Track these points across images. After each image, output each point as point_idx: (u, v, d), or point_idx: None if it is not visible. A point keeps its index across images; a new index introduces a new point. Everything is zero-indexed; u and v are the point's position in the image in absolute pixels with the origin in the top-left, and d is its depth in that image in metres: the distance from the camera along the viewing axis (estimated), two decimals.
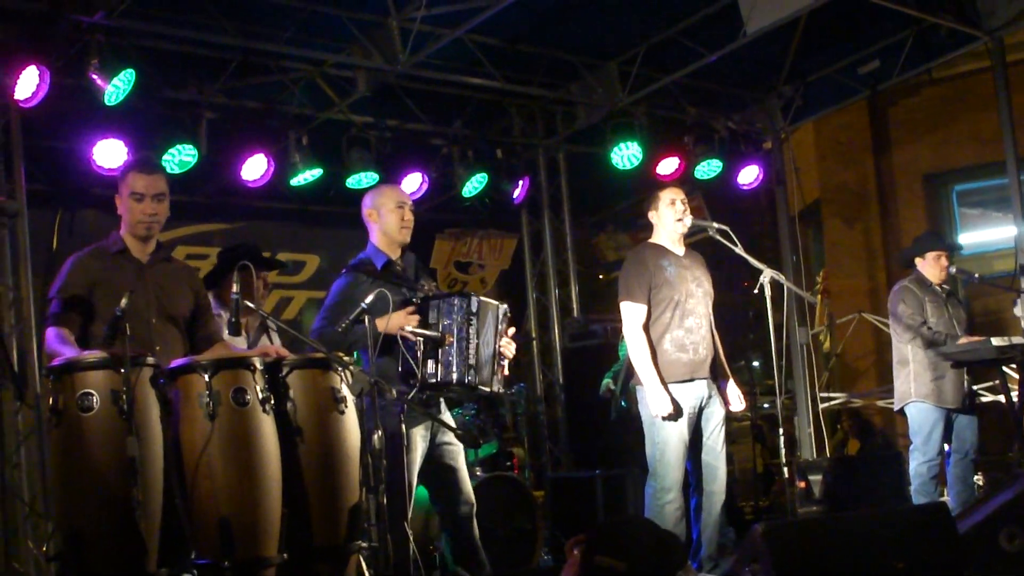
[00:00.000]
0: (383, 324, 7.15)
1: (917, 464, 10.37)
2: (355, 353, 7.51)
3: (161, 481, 5.99)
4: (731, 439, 8.74)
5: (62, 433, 5.95)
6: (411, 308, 7.44)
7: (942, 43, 13.25)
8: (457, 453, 7.75)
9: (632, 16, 12.24)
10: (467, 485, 7.78)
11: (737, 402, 8.83)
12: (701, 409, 8.53)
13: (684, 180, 13.50)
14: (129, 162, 7.36)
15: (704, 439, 8.56)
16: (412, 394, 7.18)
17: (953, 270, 10.78)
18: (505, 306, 7.83)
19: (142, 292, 6.67)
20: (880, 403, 15.10)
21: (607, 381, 11.83)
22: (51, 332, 6.58)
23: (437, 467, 7.67)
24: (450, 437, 7.69)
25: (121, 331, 5.86)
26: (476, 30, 11.54)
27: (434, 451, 7.65)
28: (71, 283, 6.68)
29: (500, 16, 11.10)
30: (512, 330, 7.89)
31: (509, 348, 7.81)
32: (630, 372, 9.06)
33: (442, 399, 7.75)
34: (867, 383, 16.34)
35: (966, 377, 10.43)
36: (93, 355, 6.04)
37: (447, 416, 7.83)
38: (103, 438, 5.85)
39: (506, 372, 7.88)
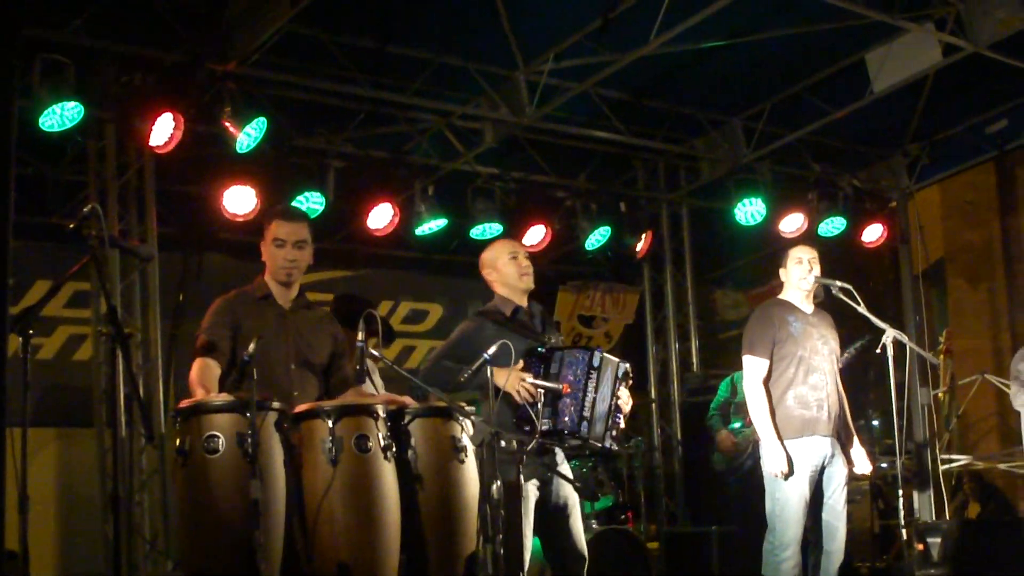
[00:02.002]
0: (502, 379, 7.17)
1: None
2: (476, 403, 7.55)
3: (283, 524, 6.04)
4: (849, 498, 8.64)
5: (187, 474, 6.02)
6: (521, 365, 7.43)
7: None
8: (572, 506, 7.72)
9: (758, 72, 12.26)
10: (580, 539, 7.75)
11: (863, 464, 8.76)
12: (823, 467, 8.47)
13: (808, 237, 13.44)
14: (274, 209, 7.46)
15: (825, 498, 8.49)
16: (531, 445, 7.18)
17: None
18: (627, 364, 7.81)
19: (283, 338, 6.77)
20: (1002, 466, 14.90)
21: (712, 415, 11.75)
22: (198, 363, 6.66)
23: (551, 519, 7.64)
24: (565, 489, 7.68)
25: (249, 375, 5.94)
26: (602, 84, 11.64)
27: (549, 503, 7.63)
28: (217, 322, 6.79)
29: (626, 70, 11.18)
30: (631, 382, 7.88)
31: (626, 401, 7.80)
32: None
33: (559, 451, 7.74)
34: (989, 446, 16.11)
35: None
36: (220, 398, 6.13)
37: (565, 468, 7.82)
38: (227, 480, 5.92)
39: (622, 427, 7.85)
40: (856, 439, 8.81)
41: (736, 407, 11.61)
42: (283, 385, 6.61)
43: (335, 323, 7.38)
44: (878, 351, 8.68)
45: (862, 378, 10.86)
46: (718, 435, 11.79)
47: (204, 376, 6.56)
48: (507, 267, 7.80)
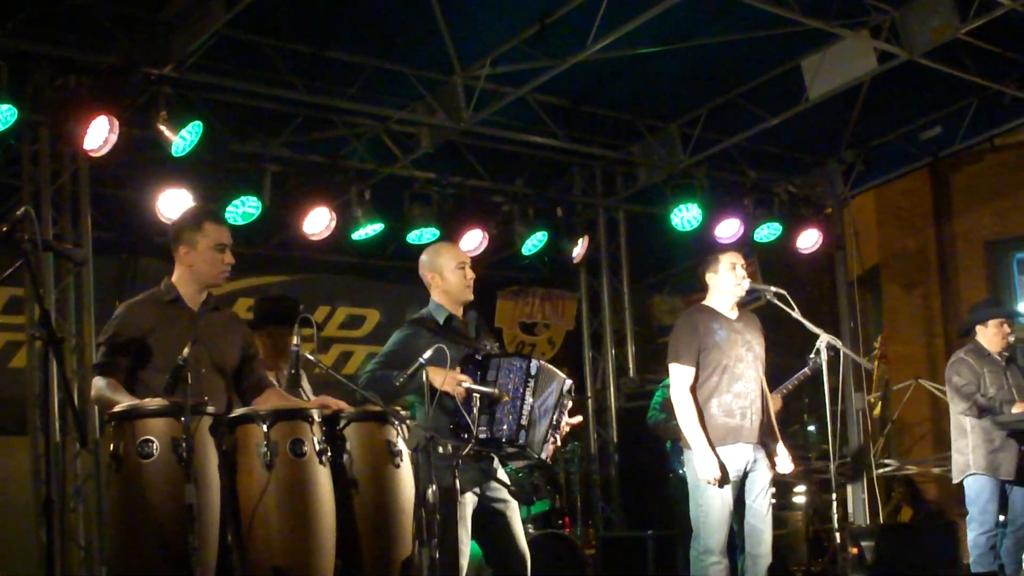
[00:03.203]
0: (439, 379, 7.18)
1: (975, 535, 10.28)
2: (412, 408, 7.55)
3: (217, 529, 6.01)
4: (783, 503, 8.70)
5: (122, 479, 5.98)
6: (459, 369, 7.43)
7: (1005, 111, 13.27)
8: (511, 510, 7.72)
9: (695, 79, 12.32)
10: (522, 540, 7.74)
11: (786, 464, 8.80)
12: (747, 473, 8.52)
13: (743, 243, 13.52)
14: (199, 212, 7.34)
15: (749, 502, 8.54)
16: (466, 450, 7.18)
17: (1011, 339, 10.71)
18: (571, 381, 7.82)
19: (198, 342, 6.68)
20: (935, 471, 15.02)
21: (652, 415, 11.70)
22: (100, 381, 6.54)
23: (490, 524, 7.64)
24: (503, 494, 7.68)
25: (183, 380, 5.92)
26: (539, 89, 11.66)
27: (487, 508, 7.63)
28: (122, 331, 6.65)
29: (563, 76, 11.21)
30: (571, 403, 7.89)
31: (566, 427, 7.82)
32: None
33: (495, 457, 7.74)
34: (922, 450, 16.25)
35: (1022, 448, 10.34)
36: (155, 403, 6.06)
37: (501, 473, 7.82)
38: (162, 485, 5.88)
39: (558, 444, 7.87)
40: (781, 441, 8.85)
41: None
42: (195, 389, 6.48)
43: (243, 325, 7.30)
44: (812, 356, 8.73)
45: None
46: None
47: (116, 390, 6.49)
48: (453, 276, 7.76)
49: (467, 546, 7.48)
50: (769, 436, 8.74)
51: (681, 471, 10.61)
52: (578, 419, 7.98)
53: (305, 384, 8.20)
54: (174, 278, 6.88)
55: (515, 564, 7.68)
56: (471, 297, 7.84)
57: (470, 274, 7.82)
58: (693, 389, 8.53)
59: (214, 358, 6.81)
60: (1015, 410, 10.21)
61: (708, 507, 8.41)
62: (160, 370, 6.41)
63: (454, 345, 7.43)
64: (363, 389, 7.23)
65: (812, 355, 8.79)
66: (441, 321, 7.71)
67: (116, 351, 6.61)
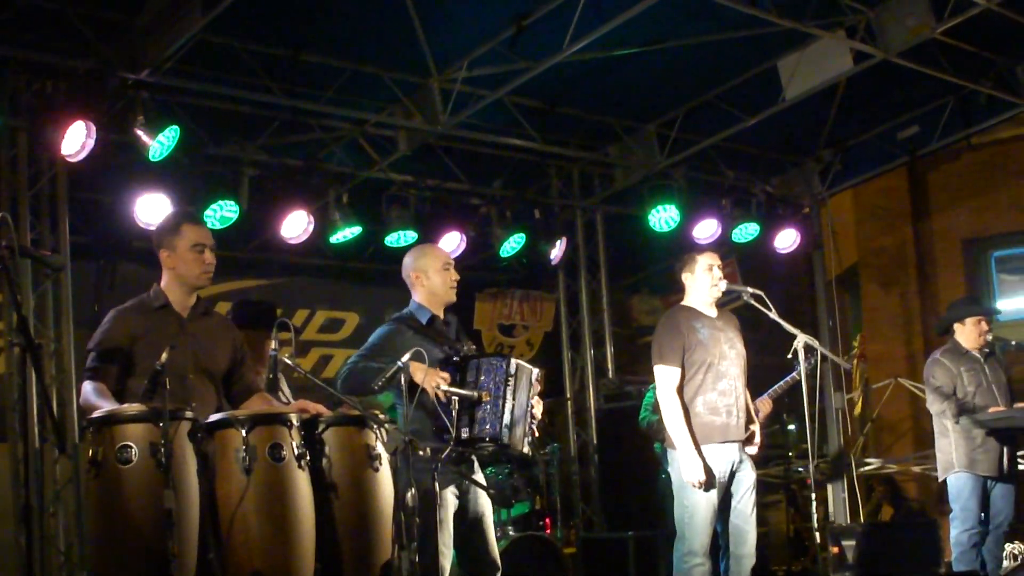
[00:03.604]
0: (420, 374, 7.19)
1: (957, 533, 10.33)
2: (392, 411, 7.56)
3: (196, 534, 6.01)
4: (763, 503, 8.71)
5: (100, 484, 5.98)
6: (438, 368, 7.45)
7: (982, 110, 13.31)
8: (487, 515, 7.74)
9: (671, 80, 12.33)
10: (494, 547, 7.77)
11: (752, 446, 8.81)
12: (733, 473, 8.52)
13: (721, 243, 13.54)
14: (176, 216, 7.36)
15: (734, 503, 8.54)
16: (446, 452, 7.19)
17: (990, 337, 10.73)
18: (538, 370, 7.84)
19: (181, 347, 6.67)
20: (916, 469, 15.06)
21: (644, 416, 11.68)
22: (87, 386, 6.60)
23: (467, 528, 7.65)
24: (481, 498, 7.70)
25: (161, 385, 5.92)
26: (516, 91, 11.66)
27: (467, 511, 7.64)
28: (111, 337, 6.71)
29: (540, 78, 11.21)
30: (540, 388, 7.91)
31: (538, 407, 7.83)
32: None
33: (475, 459, 7.76)
34: (903, 449, 16.29)
35: (1005, 446, 10.37)
36: (133, 408, 6.08)
37: (479, 476, 7.84)
38: (141, 490, 5.89)
39: (536, 433, 7.90)
40: (757, 424, 8.87)
41: None
42: (179, 395, 6.48)
43: (234, 329, 7.33)
44: (789, 356, 8.74)
45: (776, 382, 10.93)
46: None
47: (101, 394, 6.50)
48: (439, 276, 7.79)
49: (449, 548, 7.50)
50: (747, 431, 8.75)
51: (666, 471, 10.65)
52: (539, 390, 7.95)
53: (285, 388, 8.21)
54: (163, 284, 6.96)
55: (488, 570, 7.70)
56: (455, 298, 7.88)
57: (455, 275, 7.86)
58: (679, 390, 8.52)
59: (203, 363, 6.84)
60: (991, 410, 10.26)
61: (694, 508, 8.41)
62: (147, 376, 6.42)
63: (435, 346, 7.48)
64: (343, 383, 7.27)
65: (800, 360, 8.79)
66: (424, 321, 7.73)
67: (105, 358, 6.65)
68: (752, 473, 8.60)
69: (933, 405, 10.53)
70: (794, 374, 10.64)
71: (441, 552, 7.37)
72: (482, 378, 7.46)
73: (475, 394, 7.34)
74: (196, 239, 6.93)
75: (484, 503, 7.71)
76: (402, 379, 7.07)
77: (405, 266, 7.91)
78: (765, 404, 10.76)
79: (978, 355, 10.58)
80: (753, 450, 8.83)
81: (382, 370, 7.20)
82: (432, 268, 7.81)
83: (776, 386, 10.72)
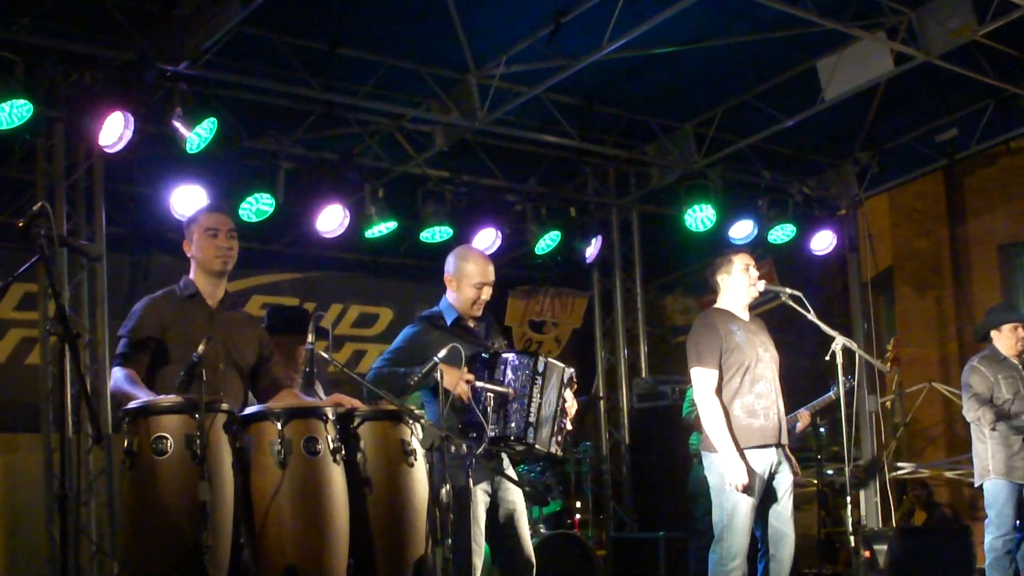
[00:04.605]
0: (450, 382, 7.17)
1: (992, 539, 10.27)
2: (422, 408, 7.55)
3: (230, 527, 6.01)
4: (795, 505, 8.63)
5: (135, 475, 5.97)
6: (467, 369, 7.42)
7: (1021, 113, 13.23)
8: (520, 511, 7.71)
9: (709, 79, 12.30)
10: (528, 544, 7.73)
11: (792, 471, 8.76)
12: (772, 475, 8.44)
13: (756, 244, 13.51)
14: (197, 207, 7.37)
15: (773, 506, 8.45)
16: (480, 449, 7.18)
17: None
18: (572, 370, 7.80)
19: (213, 338, 6.67)
20: (948, 474, 14.98)
21: (688, 409, 11.62)
22: (118, 372, 6.59)
23: (500, 525, 7.63)
24: (513, 495, 7.68)
25: (198, 376, 5.91)
26: (554, 88, 11.64)
27: (499, 508, 7.63)
28: (142, 325, 6.71)
29: (578, 75, 11.20)
30: (575, 387, 7.87)
31: (572, 404, 7.79)
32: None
33: (505, 456, 7.74)
34: (936, 453, 16.21)
35: None
36: (169, 399, 6.07)
37: (511, 472, 7.81)
38: (175, 482, 5.89)
39: (569, 429, 7.85)
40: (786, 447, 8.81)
41: None
42: (212, 385, 6.48)
43: (260, 325, 7.39)
44: (827, 358, 8.67)
45: (808, 385, 10.91)
46: None
47: (133, 382, 6.49)
48: (468, 292, 7.74)
49: (481, 546, 7.48)
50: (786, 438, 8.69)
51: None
52: (575, 389, 7.92)
53: (317, 386, 8.20)
54: (191, 275, 6.96)
55: (522, 568, 7.67)
56: (477, 314, 7.82)
57: (484, 295, 7.79)
58: (718, 391, 8.45)
59: (231, 355, 6.84)
60: None
61: (733, 511, 8.30)
62: (178, 365, 6.42)
63: (463, 342, 7.42)
64: (372, 386, 7.24)
65: (837, 364, 8.71)
66: (450, 321, 7.71)
67: (136, 345, 6.66)
68: (790, 475, 8.50)
69: (969, 411, 10.47)
70: (831, 393, 10.63)
71: (473, 549, 7.37)
72: (509, 375, 7.43)
73: (505, 390, 7.33)
74: (208, 224, 6.94)
75: (518, 499, 7.68)
76: (438, 375, 7.05)
77: (447, 262, 7.90)
78: (804, 418, 10.74)
79: (1016, 362, 10.52)
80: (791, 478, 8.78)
81: (409, 374, 7.20)
82: (466, 282, 7.77)
83: (816, 401, 10.72)
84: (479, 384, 7.32)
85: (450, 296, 7.83)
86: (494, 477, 7.53)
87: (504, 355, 7.56)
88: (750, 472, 8.24)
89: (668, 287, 17.78)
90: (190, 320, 6.78)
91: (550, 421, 7.58)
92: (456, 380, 7.23)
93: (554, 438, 7.64)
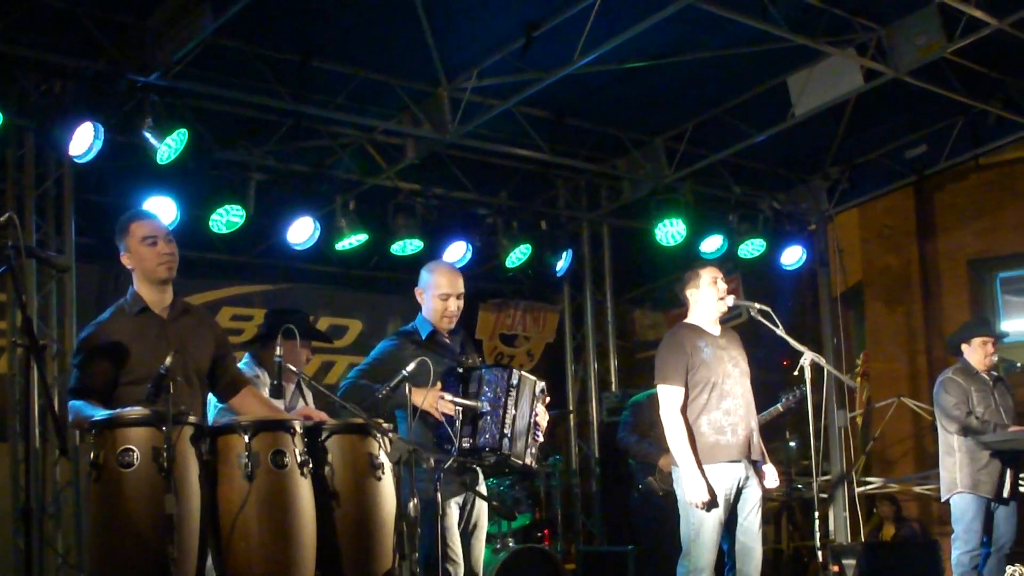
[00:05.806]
0: (419, 398, 7.19)
1: (959, 554, 10.30)
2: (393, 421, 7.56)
3: (197, 540, 5.97)
4: (763, 519, 8.65)
5: (101, 488, 5.94)
6: (439, 386, 7.44)
7: (990, 130, 13.29)
8: (481, 527, 7.82)
9: (680, 94, 12.32)
10: (479, 560, 7.85)
11: (772, 480, 8.76)
12: (739, 490, 8.46)
13: (726, 259, 13.54)
14: (124, 217, 7.18)
15: (740, 520, 8.47)
16: (449, 462, 7.19)
17: (995, 358, 10.72)
18: (543, 383, 7.83)
19: (165, 351, 6.49)
20: (917, 489, 15.02)
21: (623, 435, 11.70)
22: (74, 404, 6.49)
23: (462, 539, 7.67)
24: (480, 510, 7.72)
25: (165, 388, 5.88)
26: (525, 102, 11.66)
27: (468, 523, 7.67)
28: (94, 352, 6.60)
29: (549, 89, 11.21)
30: (547, 399, 7.89)
31: (543, 417, 7.80)
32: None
33: (479, 470, 7.75)
34: (905, 468, 16.26)
35: (1009, 468, 10.34)
36: (136, 411, 6.01)
37: (482, 487, 7.83)
38: (142, 494, 5.85)
39: (540, 440, 7.86)
40: (767, 460, 8.80)
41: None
42: (177, 398, 6.40)
43: (215, 324, 7.25)
44: (795, 373, 8.69)
45: (777, 399, 10.92)
46: (661, 459, 11.38)
47: (92, 407, 6.35)
48: (433, 303, 7.83)
49: (460, 557, 7.50)
50: (756, 453, 8.68)
51: (638, 488, 10.67)
52: (546, 401, 7.93)
53: (309, 397, 8.19)
54: (136, 287, 6.83)
55: None
56: (448, 327, 7.85)
57: (452, 307, 7.84)
58: (683, 409, 8.46)
59: (188, 365, 6.74)
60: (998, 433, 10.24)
61: (700, 526, 8.34)
62: (138, 382, 6.37)
63: (437, 358, 7.44)
64: (343, 398, 7.24)
65: (787, 394, 8.75)
66: (424, 335, 7.74)
67: (88, 374, 6.55)
68: (758, 490, 8.52)
69: (949, 424, 10.48)
70: (777, 406, 10.65)
71: (452, 560, 7.42)
72: (484, 389, 7.48)
73: (476, 404, 7.34)
74: (145, 232, 6.77)
75: (482, 515, 7.74)
76: (406, 389, 7.06)
77: (420, 276, 7.96)
78: None
79: (987, 378, 10.56)
80: (774, 483, 8.79)
81: (378, 389, 7.24)
82: (431, 292, 7.86)
83: (760, 415, 10.74)
84: (450, 399, 7.34)
85: (423, 310, 7.87)
86: (465, 491, 7.55)
87: (477, 370, 7.58)
88: (711, 490, 8.26)
89: (636, 301, 17.80)
90: (144, 336, 6.65)
91: (524, 433, 7.61)
92: (429, 398, 7.26)
93: (529, 449, 7.69)
